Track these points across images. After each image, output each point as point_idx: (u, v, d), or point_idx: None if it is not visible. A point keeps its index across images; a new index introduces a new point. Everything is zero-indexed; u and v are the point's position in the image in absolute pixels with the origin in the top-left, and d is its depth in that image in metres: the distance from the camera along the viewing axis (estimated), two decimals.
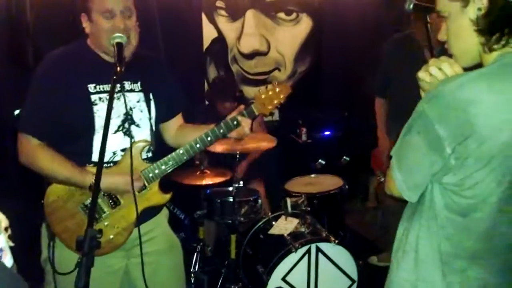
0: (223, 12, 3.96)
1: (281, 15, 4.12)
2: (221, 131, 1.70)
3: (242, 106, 1.75)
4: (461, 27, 1.08)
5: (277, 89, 1.75)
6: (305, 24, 4.21)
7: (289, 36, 4.19)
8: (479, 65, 1.10)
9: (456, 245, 1.11)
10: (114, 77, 1.44)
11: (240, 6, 3.98)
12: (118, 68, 1.47)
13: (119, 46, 1.56)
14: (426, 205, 1.13)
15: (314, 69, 4.28)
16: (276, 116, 4.21)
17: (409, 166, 1.10)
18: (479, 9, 1.03)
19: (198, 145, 1.70)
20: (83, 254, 1.12)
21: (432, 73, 1.15)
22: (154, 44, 3.41)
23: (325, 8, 4.18)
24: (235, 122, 1.71)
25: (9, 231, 0.87)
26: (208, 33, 3.96)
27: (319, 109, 4.18)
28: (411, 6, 1.97)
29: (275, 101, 1.75)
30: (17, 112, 2.84)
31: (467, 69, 1.13)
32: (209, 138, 1.71)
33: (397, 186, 1.12)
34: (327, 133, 4.11)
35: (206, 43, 3.97)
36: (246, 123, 1.71)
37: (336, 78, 4.20)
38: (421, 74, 1.18)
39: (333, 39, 4.16)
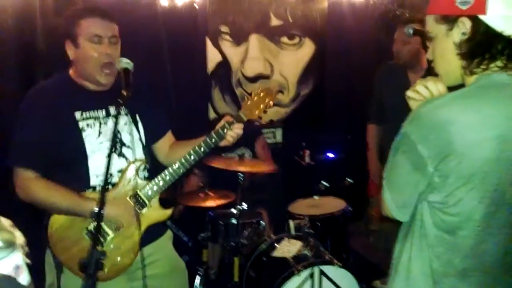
0: (227, 37, 4.05)
1: (284, 39, 4.20)
2: (213, 140, 1.74)
3: (228, 116, 1.80)
4: (445, 49, 1.13)
5: (262, 94, 1.81)
6: (308, 48, 4.29)
7: (292, 59, 4.25)
8: (463, 85, 1.15)
9: (445, 263, 1.13)
10: (121, 102, 1.48)
11: (244, 31, 4.06)
12: (125, 93, 1.51)
13: (126, 71, 1.61)
14: (417, 224, 1.16)
15: (317, 92, 4.33)
16: (279, 139, 4.24)
17: (396, 185, 1.14)
18: (463, 33, 1.07)
19: (192, 157, 1.73)
20: (88, 276, 1.13)
21: (419, 90, 1.21)
22: (160, 68, 3.48)
23: (327, 32, 4.25)
24: (225, 130, 1.74)
25: (26, 249, 0.89)
26: (213, 57, 4.03)
27: (322, 131, 4.20)
28: (411, 31, 2.04)
29: (261, 106, 1.81)
30: None
31: (451, 88, 1.18)
32: (202, 149, 1.73)
33: (387, 206, 1.15)
34: (330, 155, 4.13)
35: (211, 67, 4.05)
36: (237, 126, 1.76)
37: (339, 101, 4.25)
38: (409, 93, 1.23)
39: (336, 63, 4.22)
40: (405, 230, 1.21)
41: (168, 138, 1.96)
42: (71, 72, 1.73)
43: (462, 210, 1.07)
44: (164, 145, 1.94)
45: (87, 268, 1.15)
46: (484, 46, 1.07)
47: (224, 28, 4.02)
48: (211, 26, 3.97)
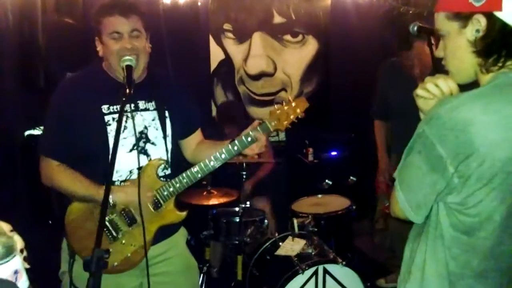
0: (230, 35, 4.03)
1: (287, 37, 4.19)
2: (235, 148, 1.69)
3: (256, 122, 1.72)
4: (458, 47, 1.09)
5: (294, 104, 1.71)
6: (311, 45, 4.27)
7: (295, 57, 4.24)
8: (475, 83, 1.11)
9: (462, 265, 1.10)
10: (124, 99, 1.47)
11: (247, 29, 4.05)
12: (128, 90, 1.50)
13: (129, 68, 1.59)
14: (432, 225, 1.13)
15: (321, 90, 4.32)
16: (282, 137, 4.23)
17: (410, 186, 1.11)
18: (477, 30, 1.04)
19: (212, 163, 1.70)
20: (90, 275, 1.12)
21: (429, 89, 1.17)
22: (163, 66, 3.47)
23: (330, 30, 4.24)
24: (249, 139, 1.68)
25: (25, 253, 0.88)
26: (216, 55, 4.02)
27: (326, 129, 4.19)
28: (415, 28, 2.01)
29: (291, 116, 1.71)
30: (27, 133, 2.91)
31: (462, 86, 1.15)
32: (223, 156, 1.70)
33: (401, 206, 1.12)
34: (334, 153, 4.11)
35: (214, 64, 4.04)
36: (261, 138, 1.69)
37: (342, 99, 4.23)
38: (419, 91, 1.19)
39: (339, 60, 4.21)
40: (418, 231, 1.18)
41: (196, 135, 1.93)
42: (103, 64, 1.74)
43: (482, 211, 1.04)
44: (191, 143, 1.91)
45: (90, 266, 1.13)
46: (500, 43, 1.03)
47: (226, 26, 4.01)
48: (213, 24, 3.96)
